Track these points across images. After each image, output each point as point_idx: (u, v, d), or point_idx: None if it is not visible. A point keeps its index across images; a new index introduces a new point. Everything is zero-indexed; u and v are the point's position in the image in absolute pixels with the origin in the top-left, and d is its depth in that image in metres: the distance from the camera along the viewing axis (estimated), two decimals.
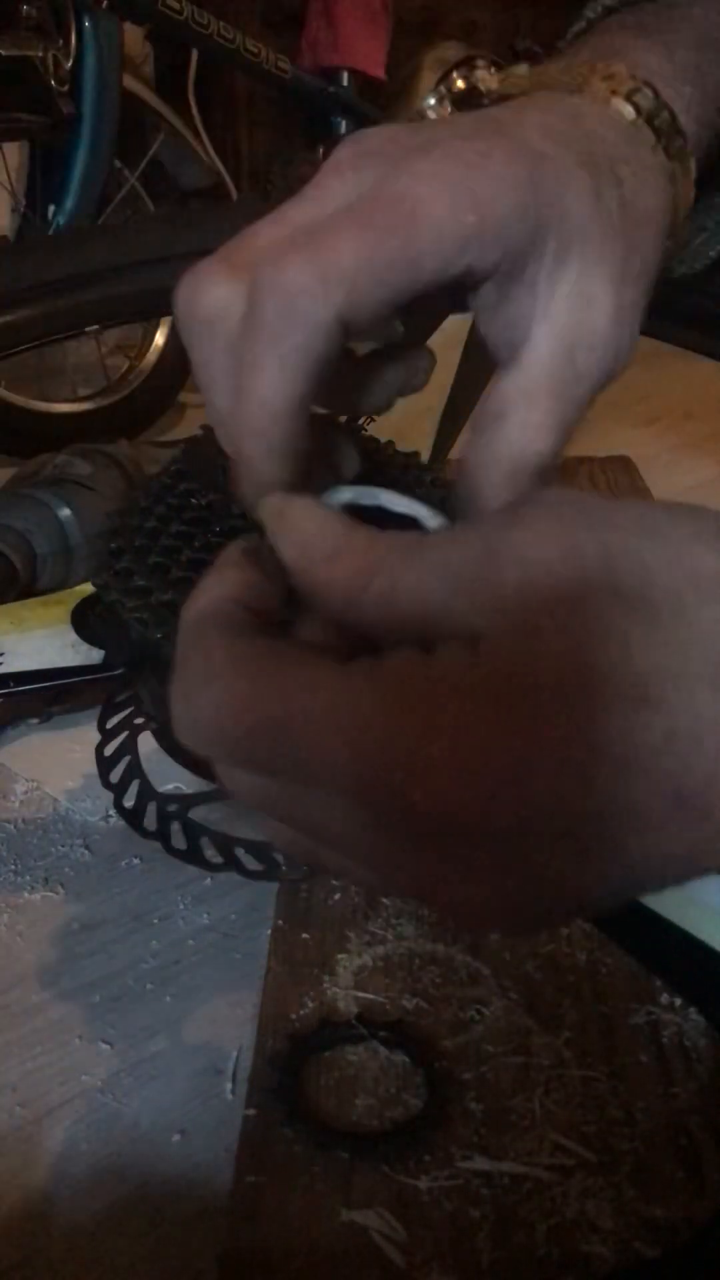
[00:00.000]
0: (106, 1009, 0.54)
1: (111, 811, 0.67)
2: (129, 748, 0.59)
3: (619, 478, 1.16)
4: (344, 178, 0.29)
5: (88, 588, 0.55)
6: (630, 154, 0.32)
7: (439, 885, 0.23)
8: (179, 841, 0.54)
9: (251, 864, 0.52)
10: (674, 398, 1.42)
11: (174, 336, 1.53)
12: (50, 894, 0.61)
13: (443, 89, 0.40)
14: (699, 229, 0.41)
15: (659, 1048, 0.48)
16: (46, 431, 1.37)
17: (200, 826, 0.55)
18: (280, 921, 0.57)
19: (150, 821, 0.56)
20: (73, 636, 0.53)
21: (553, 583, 0.22)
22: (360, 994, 0.52)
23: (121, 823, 0.64)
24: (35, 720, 0.76)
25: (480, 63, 0.41)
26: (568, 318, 0.30)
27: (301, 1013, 0.51)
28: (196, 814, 0.56)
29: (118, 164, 1.40)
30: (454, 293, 0.30)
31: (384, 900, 0.58)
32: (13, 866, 0.63)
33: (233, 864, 0.52)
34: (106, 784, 0.58)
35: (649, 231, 0.32)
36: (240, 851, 0.53)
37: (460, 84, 0.40)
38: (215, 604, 0.27)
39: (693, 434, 1.36)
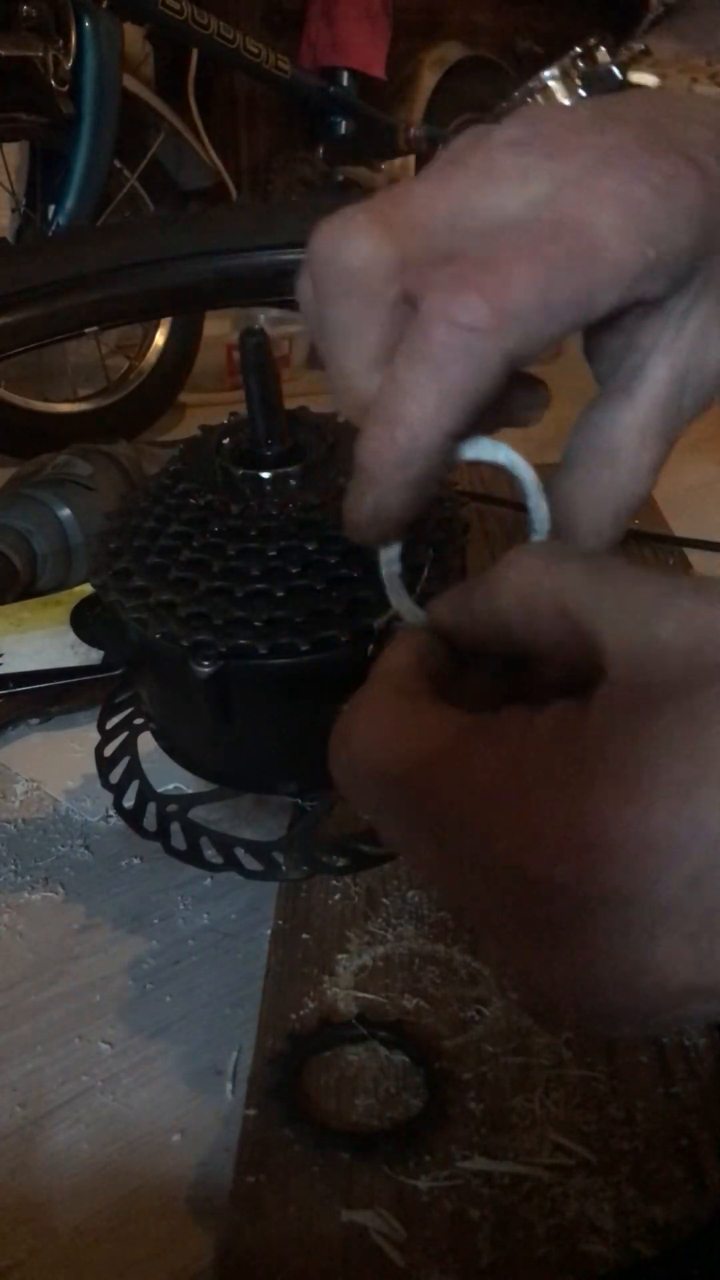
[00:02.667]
0: (106, 1009, 0.54)
1: (111, 811, 0.67)
2: (129, 748, 0.59)
3: None
4: (520, 161, 0.27)
5: (87, 588, 0.55)
6: None
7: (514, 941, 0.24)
8: (179, 842, 0.54)
9: (251, 864, 0.52)
10: None
11: (174, 336, 1.52)
12: (50, 894, 0.61)
13: (568, 63, 0.38)
14: None
15: (659, 1048, 0.48)
16: (46, 431, 1.37)
17: (200, 826, 0.55)
18: (280, 921, 0.57)
19: (150, 822, 0.56)
20: (72, 637, 0.53)
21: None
22: (360, 994, 0.52)
23: (121, 823, 0.63)
24: (35, 720, 0.76)
25: (594, 43, 0.40)
26: (689, 354, 0.30)
27: (301, 1013, 0.51)
28: (196, 814, 0.56)
29: (118, 164, 1.40)
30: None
31: (384, 900, 0.57)
32: (13, 866, 0.63)
33: (233, 864, 0.52)
34: (106, 785, 0.58)
35: None
36: (240, 851, 0.53)
37: (582, 64, 0.38)
38: (390, 667, 0.29)
39: (693, 434, 1.35)
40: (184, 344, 1.53)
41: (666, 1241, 0.40)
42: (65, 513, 0.87)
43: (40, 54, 1.26)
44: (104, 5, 1.32)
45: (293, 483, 0.46)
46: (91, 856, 0.64)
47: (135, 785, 0.58)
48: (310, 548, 0.44)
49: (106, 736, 0.59)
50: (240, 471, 0.46)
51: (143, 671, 0.50)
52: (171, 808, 0.56)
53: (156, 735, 0.55)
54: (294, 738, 0.48)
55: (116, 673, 0.52)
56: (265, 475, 0.46)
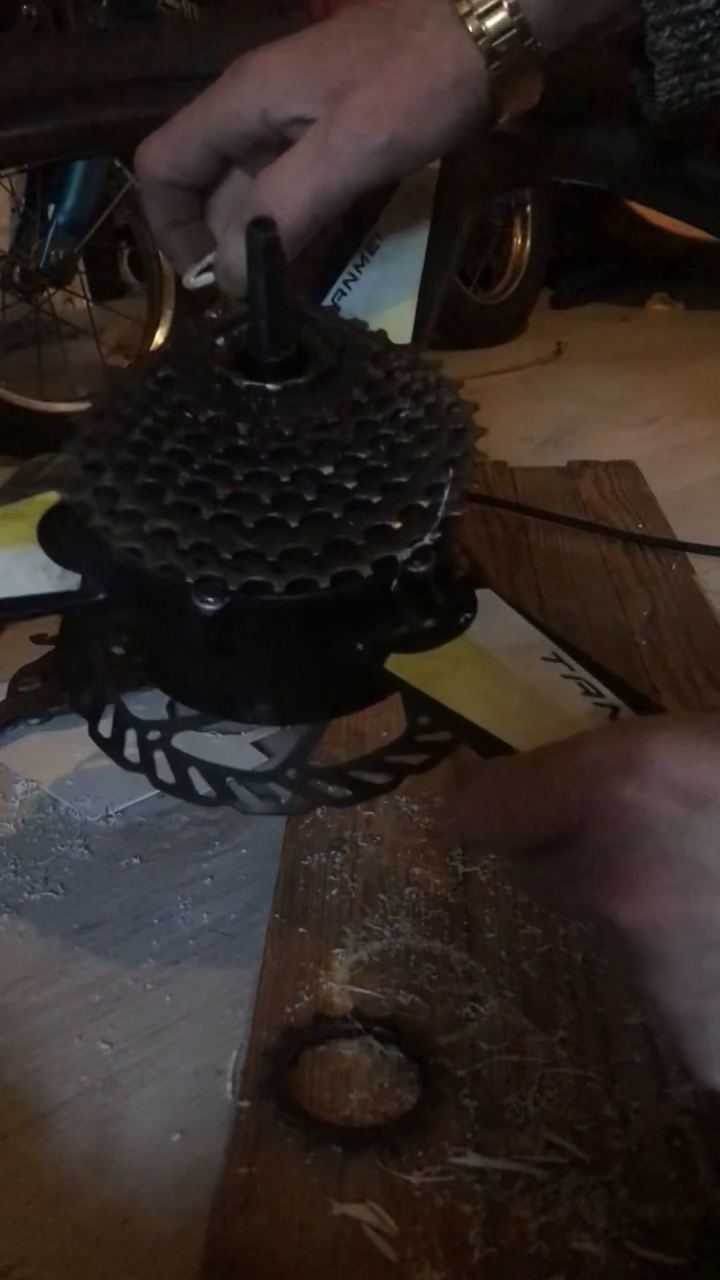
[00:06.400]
0: (106, 1009, 0.54)
1: (112, 811, 0.68)
2: (97, 665, 0.51)
3: (623, 482, 1.16)
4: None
5: (50, 497, 0.48)
6: (418, 17, 0.43)
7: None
8: (165, 773, 0.49)
9: (248, 798, 0.48)
10: (674, 398, 1.42)
11: (174, 335, 1.52)
12: (50, 894, 0.62)
13: None
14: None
15: (653, 1048, 0.48)
16: (46, 431, 1.37)
17: (188, 756, 0.49)
18: (277, 915, 0.57)
19: (132, 752, 0.50)
20: (43, 557, 0.46)
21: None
22: (356, 989, 0.52)
23: (121, 823, 0.64)
24: (35, 720, 0.76)
25: None
26: (326, 114, 0.42)
27: (296, 1007, 0.51)
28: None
29: (118, 164, 1.40)
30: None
31: (381, 896, 0.58)
32: (13, 866, 0.64)
33: (227, 797, 0.48)
34: (77, 707, 0.50)
35: (409, 56, 0.42)
36: (233, 783, 0.48)
37: None
38: None
39: (693, 434, 1.36)
40: None
41: (658, 1242, 0.40)
42: None
43: None
44: (104, 5, 1.32)
45: (303, 396, 0.41)
46: (91, 856, 0.65)
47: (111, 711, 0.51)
48: (326, 471, 0.39)
49: (68, 644, 0.50)
50: (245, 383, 0.41)
51: (128, 599, 0.45)
52: (154, 735, 0.50)
53: (129, 652, 0.48)
54: (298, 670, 0.44)
55: (99, 598, 0.45)
56: (273, 388, 0.41)
